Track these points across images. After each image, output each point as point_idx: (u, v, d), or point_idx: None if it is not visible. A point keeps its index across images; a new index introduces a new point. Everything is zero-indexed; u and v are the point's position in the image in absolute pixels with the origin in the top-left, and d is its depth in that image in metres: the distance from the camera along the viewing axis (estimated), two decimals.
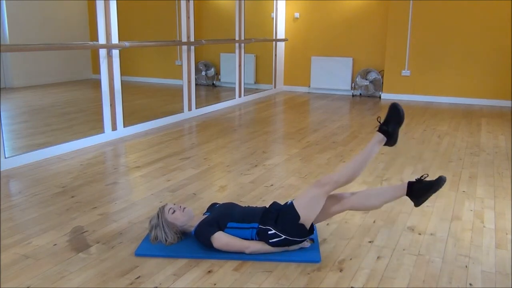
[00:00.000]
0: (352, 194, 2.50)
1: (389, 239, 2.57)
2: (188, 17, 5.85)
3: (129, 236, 2.59)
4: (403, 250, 2.45)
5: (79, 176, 3.62)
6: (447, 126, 5.57)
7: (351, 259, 2.35)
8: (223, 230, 2.38)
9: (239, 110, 6.68)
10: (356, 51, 8.04)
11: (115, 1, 4.67)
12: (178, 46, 6.30)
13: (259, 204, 3.05)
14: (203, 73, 8.31)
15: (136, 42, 5.32)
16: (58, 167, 3.86)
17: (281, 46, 8.47)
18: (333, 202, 2.47)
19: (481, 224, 2.78)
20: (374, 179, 3.59)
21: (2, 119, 3.74)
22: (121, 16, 4.83)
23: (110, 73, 4.73)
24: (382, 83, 7.79)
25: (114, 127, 4.86)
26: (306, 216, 2.34)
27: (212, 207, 2.71)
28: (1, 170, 3.72)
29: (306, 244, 2.42)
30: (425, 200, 2.45)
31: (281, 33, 8.40)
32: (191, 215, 2.52)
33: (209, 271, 2.22)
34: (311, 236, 2.47)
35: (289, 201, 2.56)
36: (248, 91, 7.61)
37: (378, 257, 2.37)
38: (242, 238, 2.37)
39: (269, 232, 2.34)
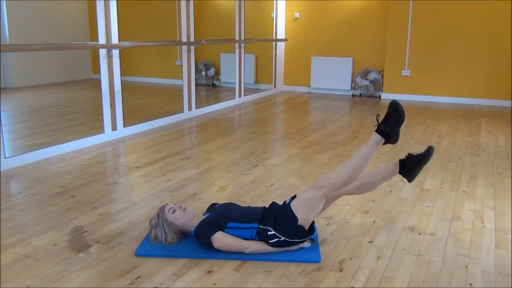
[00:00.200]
0: None
1: (389, 239, 2.57)
2: (188, 17, 5.85)
3: (129, 236, 2.59)
4: (403, 250, 2.45)
5: (79, 176, 3.62)
6: (447, 126, 5.57)
7: (351, 259, 2.35)
8: (223, 230, 2.38)
9: (239, 110, 6.68)
10: (356, 51, 8.04)
11: (115, 1, 4.67)
12: (178, 46, 6.30)
13: (259, 204, 3.05)
14: (203, 73, 8.31)
15: (136, 42, 5.32)
16: (58, 167, 3.86)
17: (281, 46, 8.47)
18: None
19: (481, 224, 2.78)
20: None
21: (2, 119, 3.74)
22: (121, 16, 4.83)
23: (110, 73, 4.73)
24: (382, 83, 7.79)
25: (114, 127, 4.86)
26: (304, 218, 2.34)
27: (212, 207, 2.71)
28: (1, 170, 3.72)
29: (306, 244, 2.42)
30: (417, 174, 2.47)
31: (281, 33, 8.40)
32: (191, 215, 2.52)
33: (209, 271, 2.22)
34: (311, 236, 2.47)
35: (287, 200, 2.57)
36: (248, 91, 7.61)
37: (378, 257, 2.37)
38: (242, 238, 2.37)
39: (269, 233, 2.34)
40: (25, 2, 6.83)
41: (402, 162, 2.52)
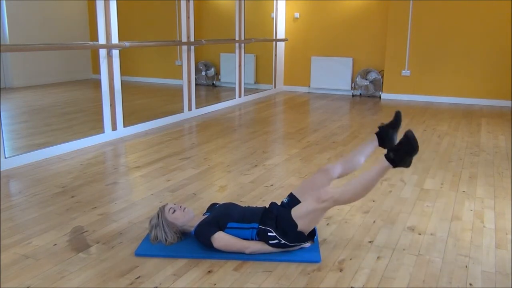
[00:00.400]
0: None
1: (389, 239, 2.57)
2: (188, 17, 5.85)
3: (129, 236, 2.59)
4: (403, 250, 2.45)
5: (79, 176, 3.62)
6: (447, 126, 5.57)
7: (351, 259, 2.35)
8: (223, 230, 2.38)
9: (239, 110, 6.68)
10: (356, 51, 8.04)
11: (115, 1, 4.67)
12: (178, 46, 6.30)
13: (259, 204, 3.05)
14: (203, 73, 8.31)
15: (136, 42, 5.32)
16: (58, 167, 3.86)
17: (281, 46, 8.47)
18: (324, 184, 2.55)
19: (481, 224, 2.78)
20: None
21: (2, 119, 3.74)
22: (121, 16, 4.83)
23: (110, 73, 4.73)
24: (382, 83, 7.79)
25: (114, 127, 4.86)
26: (303, 226, 2.35)
27: (212, 207, 2.71)
28: (1, 170, 3.72)
29: (306, 244, 2.42)
30: (394, 141, 2.64)
31: (281, 33, 8.40)
32: (192, 215, 2.52)
33: (209, 271, 2.22)
34: None
35: (285, 200, 2.57)
36: (248, 91, 7.61)
37: (378, 257, 2.37)
38: (242, 238, 2.37)
39: (269, 234, 2.34)
40: (25, 2, 6.83)
41: (378, 134, 2.70)
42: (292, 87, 8.68)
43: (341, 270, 2.24)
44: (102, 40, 4.61)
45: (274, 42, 8.21)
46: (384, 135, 2.71)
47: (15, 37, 6.62)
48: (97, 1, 4.51)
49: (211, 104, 6.67)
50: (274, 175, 3.69)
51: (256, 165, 3.94)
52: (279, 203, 2.61)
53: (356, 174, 3.16)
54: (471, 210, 3.00)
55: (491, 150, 4.48)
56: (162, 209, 2.50)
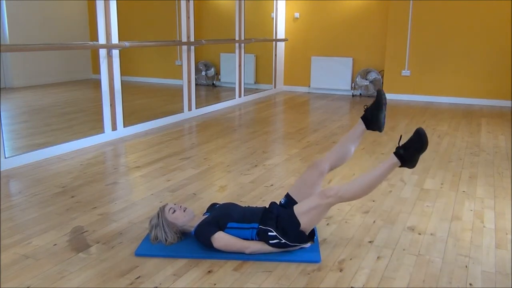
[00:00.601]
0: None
1: (389, 239, 2.57)
2: (188, 17, 5.85)
3: (129, 236, 2.59)
4: (403, 250, 2.45)
5: (79, 176, 3.62)
6: (447, 126, 5.57)
7: (351, 259, 2.35)
8: (223, 230, 2.37)
9: (239, 110, 6.68)
10: (356, 51, 8.04)
11: (115, 1, 4.67)
12: (178, 46, 6.30)
13: (259, 204, 3.05)
14: (203, 73, 8.31)
15: (136, 42, 5.32)
16: (58, 167, 3.86)
17: (281, 46, 8.47)
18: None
19: (481, 224, 2.78)
20: None
21: (2, 119, 3.74)
22: (121, 16, 4.83)
23: (110, 73, 4.73)
24: (382, 83, 7.79)
25: (114, 127, 4.86)
26: (306, 224, 2.34)
27: (212, 207, 2.71)
28: (1, 170, 3.72)
29: (306, 244, 2.41)
30: (381, 122, 2.59)
31: (281, 33, 8.40)
32: (192, 215, 2.52)
33: (209, 271, 2.22)
34: None
35: (282, 200, 2.56)
36: (248, 91, 7.61)
37: (378, 257, 2.37)
38: (242, 238, 2.37)
39: (270, 234, 2.33)
40: (25, 2, 6.83)
41: (363, 117, 2.65)
42: (292, 87, 8.68)
43: (341, 270, 2.24)
44: (102, 40, 4.61)
45: (274, 42, 8.22)
46: (370, 117, 2.64)
47: (15, 37, 6.62)
48: (97, 1, 4.51)
49: (211, 104, 6.67)
50: (274, 175, 3.69)
51: (256, 165, 3.94)
52: (277, 202, 2.61)
53: (355, 172, 3.16)
54: (471, 210, 3.00)
55: (491, 150, 4.48)
56: (162, 209, 2.50)
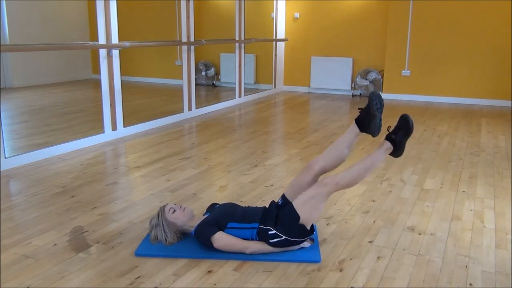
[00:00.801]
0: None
1: (389, 239, 2.57)
2: (188, 17, 5.85)
3: (129, 236, 2.59)
4: (403, 250, 2.45)
5: (79, 176, 3.62)
6: (447, 126, 5.57)
7: (351, 259, 2.35)
8: (223, 230, 2.37)
9: (239, 110, 6.68)
10: (356, 51, 8.04)
11: (115, 1, 4.67)
12: (178, 46, 6.30)
13: (259, 204, 3.05)
14: (203, 73, 8.31)
15: (136, 42, 5.32)
16: (58, 167, 3.86)
17: (281, 46, 8.47)
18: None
19: (481, 224, 2.78)
20: (374, 179, 3.59)
21: (2, 119, 3.74)
22: (121, 16, 4.83)
23: (110, 73, 4.73)
24: (382, 83, 7.79)
25: (114, 127, 4.86)
26: (306, 216, 2.33)
27: (212, 207, 2.71)
28: (1, 170, 3.72)
29: (306, 244, 2.42)
30: (376, 125, 2.55)
31: (281, 33, 8.40)
32: (191, 215, 2.52)
33: (209, 271, 2.22)
34: (311, 236, 2.47)
35: (280, 201, 2.56)
36: (248, 91, 7.61)
37: (378, 257, 2.37)
38: (242, 238, 2.37)
39: (269, 232, 2.33)
40: (25, 2, 6.83)
41: (357, 121, 2.63)
42: (292, 87, 8.68)
43: (341, 270, 2.24)
44: (102, 40, 4.61)
45: (274, 42, 8.22)
46: (363, 121, 2.61)
47: (15, 37, 6.62)
48: (97, 1, 4.51)
49: (211, 104, 6.67)
50: (274, 175, 3.69)
51: (256, 165, 3.94)
52: (276, 201, 2.62)
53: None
54: (471, 210, 3.00)
55: (491, 150, 4.48)
56: (162, 209, 2.50)
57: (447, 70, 7.33)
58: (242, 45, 7.24)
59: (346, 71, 8.04)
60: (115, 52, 4.76)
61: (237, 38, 7.05)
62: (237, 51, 7.16)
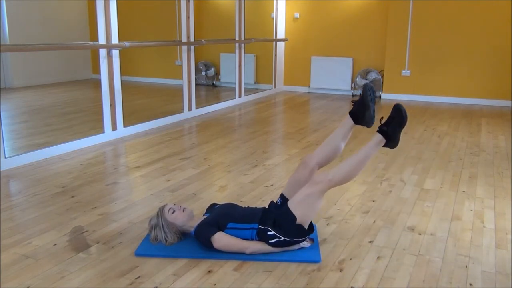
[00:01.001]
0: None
1: (389, 239, 2.57)
2: (188, 17, 5.85)
3: (129, 236, 2.59)
4: (403, 250, 2.45)
5: (79, 176, 3.62)
6: (447, 126, 5.57)
7: (351, 259, 2.35)
8: (223, 231, 2.37)
9: (239, 110, 6.68)
10: (356, 51, 8.04)
11: (115, 1, 4.67)
12: (178, 46, 6.30)
13: (259, 204, 3.05)
14: (203, 73, 8.31)
15: (136, 42, 5.32)
16: (58, 167, 3.86)
17: (281, 46, 8.47)
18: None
19: (481, 224, 2.78)
20: (374, 179, 3.59)
21: (2, 119, 3.74)
22: (121, 16, 4.83)
23: (110, 73, 4.73)
24: (382, 83, 7.79)
25: (114, 127, 4.86)
26: (302, 216, 2.33)
27: (212, 207, 2.71)
28: (1, 170, 3.72)
29: (306, 244, 2.42)
30: (370, 116, 2.57)
31: (281, 33, 8.40)
32: (191, 215, 2.52)
33: (209, 271, 2.22)
34: (311, 236, 2.47)
35: (278, 200, 2.56)
36: (248, 91, 7.61)
37: (378, 257, 2.37)
38: (242, 239, 2.37)
39: (269, 233, 2.33)
40: (25, 2, 6.84)
41: (351, 113, 2.63)
42: (292, 87, 8.68)
43: (341, 270, 2.24)
44: (102, 40, 4.61)
45: (274, 42, 8.21)
46: (357, 113, 2.62)
47: (15, 37, 6.62)
48: (97, 1, 4.51)
49: (211, 104, 6.67)
50: (274, 175, 3.69)
51: (256, 165, 3.94)
52: (275, 201, 2.61)
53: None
54: (471, 210, 3.00)
55: (491, 150, 4.48)
56: (161, 210, 2.50)
57: (447, 70, 7.33)
58: (242, 45, 7.24)
59: (346, 71, 8.04)
60: (115, 52, 4.76)
61: (237, 38, 7.05)
62: (237, 51, 7.16)
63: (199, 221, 2.47)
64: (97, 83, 4.71)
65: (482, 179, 3.61)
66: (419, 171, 3.78)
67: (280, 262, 2.30)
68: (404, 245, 2.51)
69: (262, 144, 4.68)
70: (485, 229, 2.72)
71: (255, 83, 8.16)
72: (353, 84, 8.04)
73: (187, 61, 6.01)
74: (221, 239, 2.33)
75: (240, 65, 7.25)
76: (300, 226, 2.34)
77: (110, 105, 4.78)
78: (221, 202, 2.89)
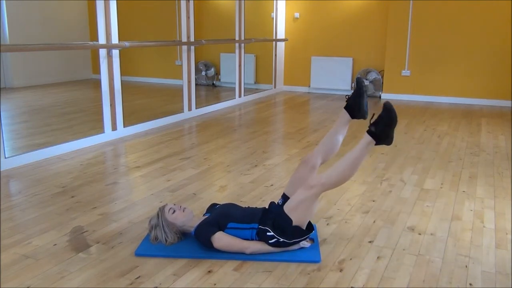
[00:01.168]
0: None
1: (389, 239, 2.57)
2: (188, 17, 5.85)
3: (129, 236, 2.59)
4: (403, 250, 2.45)
5: (79, 176, 3.62)
6: (447, 126, 5.57)
7: (351, 259, 2.35)
8: (223, 231, 2.37)
9: (239, 110, 6.68)
10: (356, 51, 8.04)
11: (115, 1, 4.67)
12: (178, 46, 6.30)
13: (259, 204, 3.05)
14: (203, 73, 8.31)
15: (136, 42, 5.32)
16: (58, 167, 3.86)
17: (281, 46, 8.47)
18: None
19: (481, 224, 2.78)
20: (374, 179, 3.59)
21: (2, 119, 3.74)
22: (121, 16, 4.83)
23: (110, 73, 4.73)
24: (382, 83, 7.79)
25: (114, 127, 4.86)
26: (298, 219, 2.34)
27: (212, 207, 2.71)
28: (1, 170, 3.72)
29: (306, 244, 2.42)
30: (364, 110, 2.56)
31: (281, 33, 8.40)
32: (191, 215, 2.52)
33: (209, 271, 2.22)
34: (311, 236, 2.47)
35: (280, 201, 2.56)
36: (248, 91, 7.61)
37: (378, 257, 2.37)
38: (242, 239, 2.37)
39: (268, 234, 2.34)
40: (25, 2, 6.84)
41: (346, 107, 2.62)
42: (292, 87, 8.68)
43: (341, 270, 2.24)
44: (102, 40, 4.61)
45: (274, 42, 8.22)
46: (353, 105, 2.60)
47: (15, 37, 6.62)
48: (97, 1, 4.51)
49: (211, 104, 6.67)
50: (274, 175, 3.69)
51: (256, 165, 3.94)
52: (276, 202, 2.61)
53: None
54: (471, 210, 3.00)
55: (491, 150, 4.48)
56: (161, 210, 2.50)
57: (447, 70, 7.33)
58: (242, 45, 7.24)
59: (346, 71, 8.05)
60: (115, 52, 4.76)
61: (237, 38, 7.05)
62: (237, 51, 7.16)
63: (199, 221, 2.47)
64: (97, 83, 4.71)
65: (482, 179, 3.61)
66: (419, 171, 3.78)
67: (280, 262, 2.30)
68: (404, 245, 2.51)
69: (262, 144, 4.68)
70: (485, 229, 2.72)
71: (255, 83, 8.16)
72: (353, 84, 8.04)
73: (187, 61, 6.01)
74: (221, 239, 2.33)
75: (240, 65, 7.25)
76: (298, 228, 2.34)
77: (110, 105, 4.78)
78: (221, 202, 2.89)
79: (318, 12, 8.18)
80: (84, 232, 2.65)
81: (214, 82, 8.30)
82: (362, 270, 2.24)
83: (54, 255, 2.37)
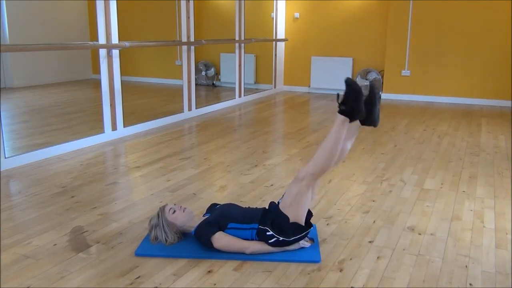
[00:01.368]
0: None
1: (389, 239, 2.57)
2: (188, 17, 5.85)
3: (129, 236, 2.59)
4: (403, 250, 2.45)
5: (79, 176, 3.62)
6: (447, 126, 5.57)
7: (351, 259, 2.35)
8: (223, 231, 2.38)
9: (239, 110, 6.68)
10: (356, 51, 8.04)
11: (115, 1, 4.67)
12: (178, 46, 6.30)
13: (259, 204, 3.05)
14: (203, 73, 8.31)
15: (136, 42, 5.32)
16: (58, 167, 3.86)
17: (281, 46, 8.47)
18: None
19: (481, 224, 2.78)
20: (374, 179, 3.59)
21: (2, 119, 3.74)
22: (121, 16, 4.83)
23: (110, 73, 4.73)
24: (382, 83, 7.79)
25: (114, 127, 4.86)
26: (295, 214, 2.34)
27: (212, 207, 2.71)
28: (1, 170, 3.72)
29: (306, 244, 2.42)
30: (361, 109, 2.34)
31: (281, 33, 8.40)
32: (191, 215, 2.52)
33: (209, 271, 2.22)
34: (311, 236, 2.47)
35: (280, 200, 2.56)
36: (248, 91, 7.61)
37: (378, 257, 2.37)
38: (243, 239, 2.37)
39: (267, 233, 2.34)
40: (25, 2, 6.84)
41: (345, 113, 2.39)
42: (292, 87, 8.68)
43: (341, 270, 2.24)
44: (102, 40, 4.61)
45: (274, 42, 8.21)
46: (348, 109, 2.39)
47: (15, 37, 6.63)
48: (97, 1, 4.51)
49: (211, 104, 6.67)
50: (274, 175, 3.69)
51: (256, 165, 3.94)
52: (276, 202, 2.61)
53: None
54: (471, 210, 3.00)
55: (491, 150, 4.48)
56: (162, 209, 2.50)
57: (447, 70, 7.33)
58: (242, 45, 7.24)
59: (346, 71, 8.04)
60: (115, 52, 4.76)
61: (237, 38, 7.05)
62: (237, 51, 7.16)
63: (199, 221, 2.47)
64: (97, 83, 4.71)
65: (482, 179, 3.61)
66: (419, 171, 3.78)
67: (280, 262, 2.30)
68: (404, 245, 2.51)
69: (262, 144, 4.68)
70: (485, 229, 2.72)
71: (255, 83, 8.16)
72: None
73: (187, 61, 6.01)
74: (221, 239, 2.33)
75: (240, 65, 7.25)
76: (296, 224, 2.34)
77: (110, 105, 4.78)
78: (221, 202, 2.89)
79: (318, 12, 8.18)
80: (84, 232, 2.65)
81: (214, 82, 8.30)
82: (362, 270, 2.24)
83: (54, 255, 2.37)
